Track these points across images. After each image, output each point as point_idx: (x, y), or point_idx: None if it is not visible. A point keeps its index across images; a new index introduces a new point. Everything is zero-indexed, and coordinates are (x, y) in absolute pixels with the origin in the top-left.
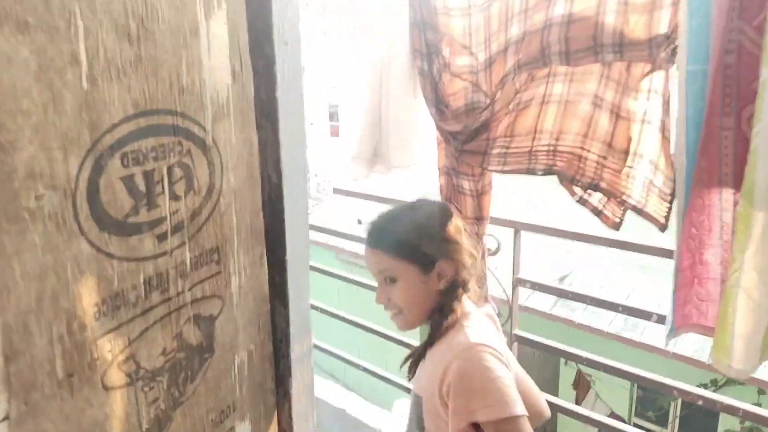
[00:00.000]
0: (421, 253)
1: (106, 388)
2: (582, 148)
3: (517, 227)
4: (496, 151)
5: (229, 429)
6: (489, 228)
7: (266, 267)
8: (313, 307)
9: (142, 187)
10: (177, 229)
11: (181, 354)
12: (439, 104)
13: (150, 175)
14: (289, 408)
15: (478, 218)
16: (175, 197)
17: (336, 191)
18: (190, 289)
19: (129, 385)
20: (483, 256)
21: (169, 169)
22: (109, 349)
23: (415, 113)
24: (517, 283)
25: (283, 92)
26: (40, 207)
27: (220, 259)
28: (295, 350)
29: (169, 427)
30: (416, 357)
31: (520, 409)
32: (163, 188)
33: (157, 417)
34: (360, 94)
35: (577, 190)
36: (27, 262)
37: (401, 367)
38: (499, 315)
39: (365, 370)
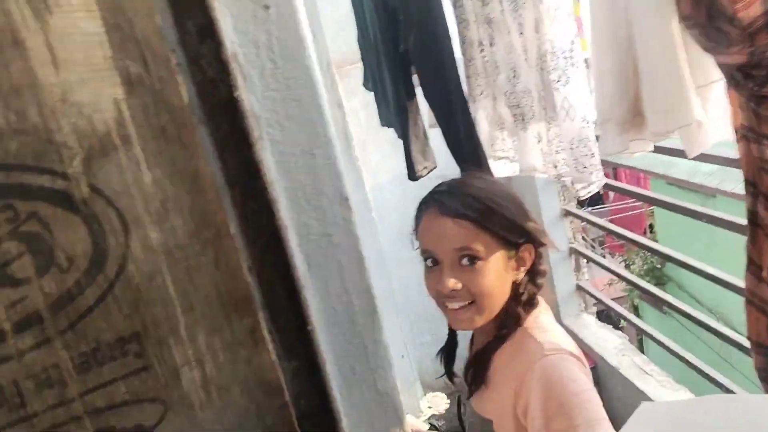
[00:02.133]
0: (511, 231)
1: None
2: None
3: None
4: None
5: None
6: None
7: (268, 343)
8: None
9: None
10: (26, 324)
11: None
12: (715, 20)
13: None
14: None
15: None
16: (12, 282)
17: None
18: (81, 397)
19: None
20: None
21: None
22: None
23: (678, 46)
24: None
25: (260, 80)
26: None
27: (144, 349)
28: None
29: None
30: (479, 366)
31: (608, 427)
32: None
33: None
34: (595, 26)
35: None
36: None
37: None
38: None
39: None
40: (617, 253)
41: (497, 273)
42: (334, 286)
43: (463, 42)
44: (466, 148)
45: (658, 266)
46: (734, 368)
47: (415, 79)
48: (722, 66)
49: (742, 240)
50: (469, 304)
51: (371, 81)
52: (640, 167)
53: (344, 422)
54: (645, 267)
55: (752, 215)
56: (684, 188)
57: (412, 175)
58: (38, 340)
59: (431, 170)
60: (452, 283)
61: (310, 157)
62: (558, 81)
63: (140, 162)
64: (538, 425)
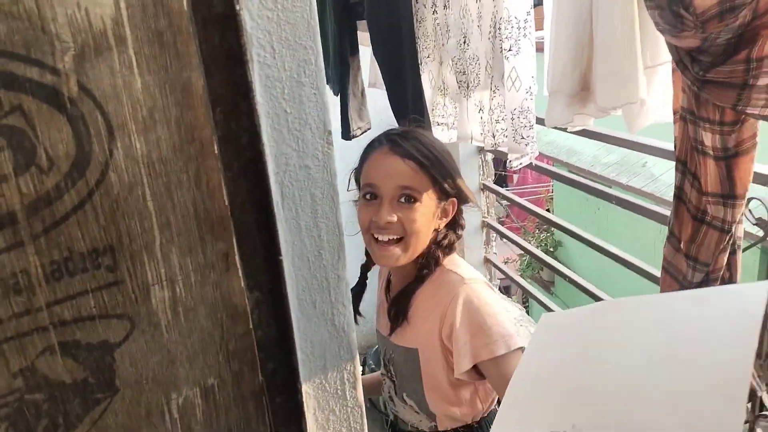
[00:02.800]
0: (447, 180)
1: None
2: None
3: None
4: (764, 81)
5: None
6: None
7: (239, 269)
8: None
9: None
10: None
11: (34, 395)
12: (673, 4)
13: None
14: None
15: (726, 196)
16: None
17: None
18: (48, 307)
19: None
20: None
21: None
22: None
23: (636, 25)
24: None
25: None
26: None
27: (117, 263)
28: (309, 385)
29: None
30: (402, 304)
31: (521, 341)
32: None
33: None
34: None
35: None
36: None
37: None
38: None
39: None
40: (515, 234)
41: (428, 216)
42: (306, 219)
43: (416, 1)
44: (411, 110)
45: (551, 249)
46: None
47: (359, 35)
48: (674, 49)
49: (627, 228)
50: (398, 240)
51: None
52: (547, 153)
53: (299, 354)
54: (539, 249)
55: (678, 191)
56: (584, 177)
57: (346, 135)
58: (9, 243)
59: (365, 131)
60: (390, 217)
61: (297, 85)
62: (509, 50)
63: (133, 66)
64: (461, 342)
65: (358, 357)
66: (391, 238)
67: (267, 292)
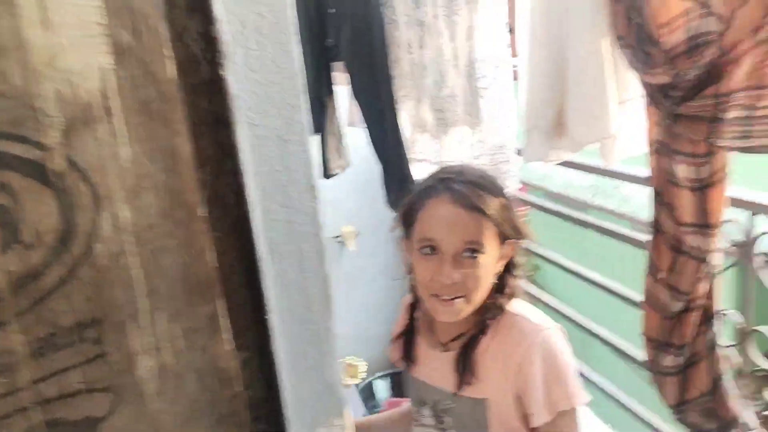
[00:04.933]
0: (507, 226)
1: None
2: None
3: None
4: (732, 114)
5: None
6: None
7: (226, 330)
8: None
9: None
10: None
11: None
12: (643, 43)
13: None
14: None
15: (701, 226)
16: None
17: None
18: (32, 386)
19: None
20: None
21: None
22: None
23: (607, 63)
24: None
25: (246, 61)
26: None
27: (102, 335)
28: None
29: None
30: (471, 360)
31: (586, 395)
32: None
33: None
34: (532, 38)
35: None
36: None
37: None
38: None
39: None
40: None
41: (490, 266)
42: (293, 273)
43: (391, 42)
44: (391, 147)
45: (529, 273)
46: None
47: (335, 75)
48: (646, 85)
49: (607, 252)
50: (463, 296)
51: None
52: (521, 179)
53: (289, 411)
54: None
55: (656, 222)
56: (558, 200)
57: (326, 173)
58: None
59: (344, 168)
60: (456, 276)
61: (283, 143)
62: (486, 89)
63: (120, 136)
64: (540, 393)
65: (347, 411)
66: (455, 296)
67: (255, 351)
